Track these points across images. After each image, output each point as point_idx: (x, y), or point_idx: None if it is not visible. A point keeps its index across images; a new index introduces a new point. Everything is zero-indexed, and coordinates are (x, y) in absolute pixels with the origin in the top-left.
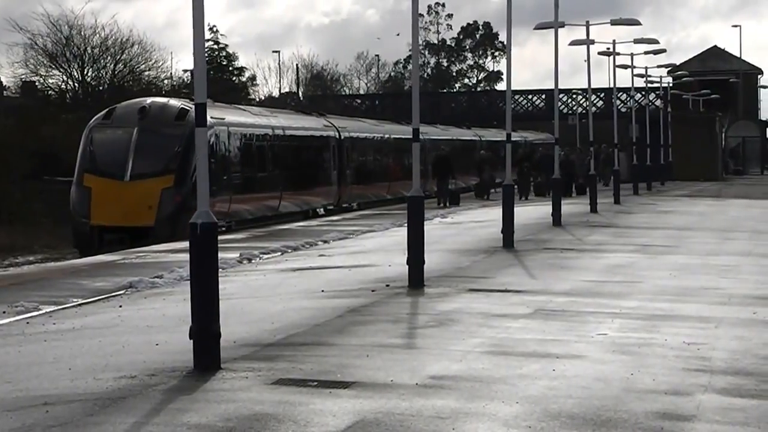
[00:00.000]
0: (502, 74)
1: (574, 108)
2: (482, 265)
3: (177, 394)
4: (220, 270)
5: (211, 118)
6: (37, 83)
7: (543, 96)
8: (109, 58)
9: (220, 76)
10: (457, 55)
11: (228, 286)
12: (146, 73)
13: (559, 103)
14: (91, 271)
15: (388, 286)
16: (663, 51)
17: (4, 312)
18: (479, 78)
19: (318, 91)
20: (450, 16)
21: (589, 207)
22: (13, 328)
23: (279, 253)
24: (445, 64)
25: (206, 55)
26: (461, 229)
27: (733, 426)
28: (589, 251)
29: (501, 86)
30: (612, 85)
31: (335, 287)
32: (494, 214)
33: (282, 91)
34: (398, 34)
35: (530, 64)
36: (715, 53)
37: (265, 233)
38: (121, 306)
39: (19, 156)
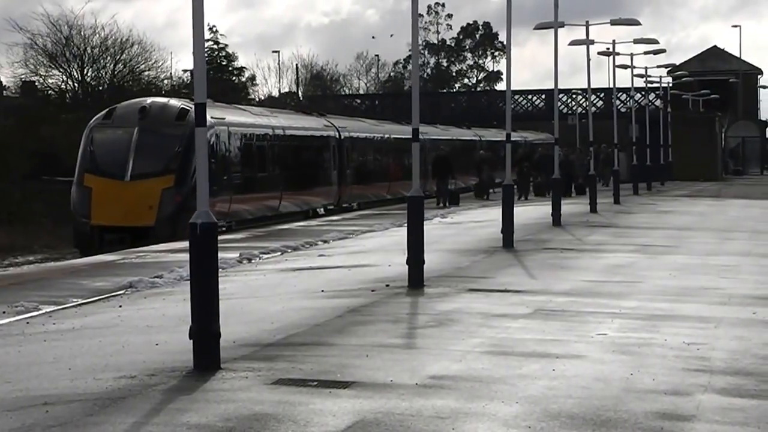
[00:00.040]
0: (502, 74)
1: (574, 108)
2: (482, 265)
3: (177, 394)
4: (220, 270)
5: (212, 118)
6: (36, 83)
7: (543, 96)
8: (108, 58)
9: (219, 76)
10: (456, 55)
11: (228, 286)
12: (146, 73)
13: (559, 103)
14: (91, 271)
15: (387, 286)
16: (663, 51)
17: (4, 312)
18: (479, 78)
19: (318, 91)
20: (450, 16)
21: (589, 207)
22: (13, 328)
23: (279, 253)
24: (445, 64)
25: (206, 55)
26: (461, 229)
27: (733, 426)
28: (589, 251)
29: (501, 86)
30: (612, 85)
31: (335, 287)
32: (494, 214)
33: (282, 91)
34: (392, 35)
35: (530, 64)
36: (715, 53)
37: (265, 233)
38: (121, 306)
39: (19, 156)
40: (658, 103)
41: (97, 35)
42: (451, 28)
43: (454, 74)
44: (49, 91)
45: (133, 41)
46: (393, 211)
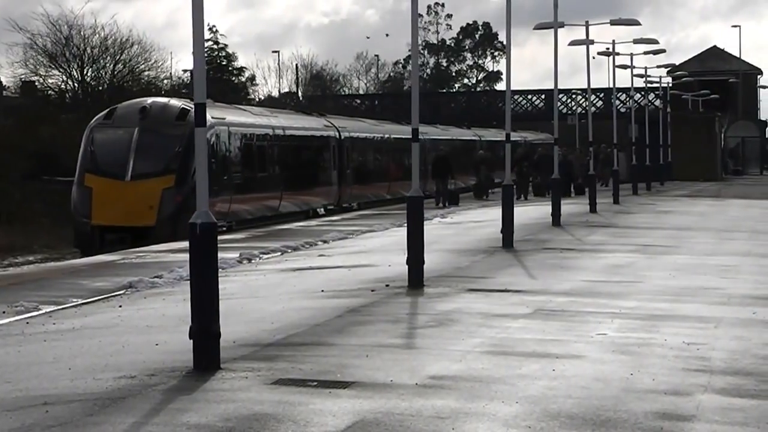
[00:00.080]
0: (502, 74)
1: (574, 108)
2: (482, 265)
3: (177, 394)
4: (220, 270)
5: (212, 118)
6: (36, 83)
7: (542, 96)
8: (108, 58)
9: (219, 76)
10: (456, 56)
11: (228, 286)
12: (146, 73)
13: (559, 104)
14: (90, 271)
15: (387, 286)
16: (662, 51)
17: (3, 312)
18: (479, 78)
19: (318, 91)
20: (449, 16)
21: (589, 207)
22: (12, 328)
23: (279, 253)
24: (445, 64)
25: (206, 55)
26: (461, 229)
27: (733, 426)
28: (589, 251)
29: (500, 86)
30: (611, 85)
31: (335, 287)
32: (493, 214)
33: (282, 91)
34: (387, 35)
35: (530, 64)
36: (715, 53)
37: (265, 233)
38: (120, 306)
39: (19, 156)
40: (657, 103)
41: (97, 35)
42: (450, 28)
43: (453, 74)
44: (49, 91)
45: (133, 41)
46: (393, 211)
